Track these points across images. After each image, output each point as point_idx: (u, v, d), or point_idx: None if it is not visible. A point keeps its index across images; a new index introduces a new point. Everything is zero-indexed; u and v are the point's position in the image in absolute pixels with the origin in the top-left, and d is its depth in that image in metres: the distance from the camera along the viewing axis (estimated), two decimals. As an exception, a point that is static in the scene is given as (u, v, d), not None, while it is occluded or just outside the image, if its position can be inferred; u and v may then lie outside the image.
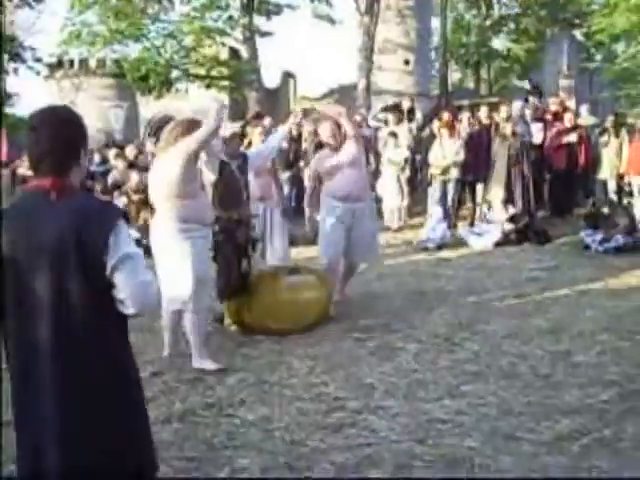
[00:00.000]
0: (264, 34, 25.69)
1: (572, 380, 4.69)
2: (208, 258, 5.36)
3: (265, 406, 4.40)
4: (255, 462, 3.66)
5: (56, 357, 2.24)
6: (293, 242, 10.41)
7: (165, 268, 4.98)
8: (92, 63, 28.63)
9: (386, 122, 14.20)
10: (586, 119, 12.13)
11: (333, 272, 6.57)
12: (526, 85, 15.65)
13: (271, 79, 28.60)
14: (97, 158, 12.67)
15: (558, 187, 11.53)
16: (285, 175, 12.61)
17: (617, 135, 11.32)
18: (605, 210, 10.15)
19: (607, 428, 3.93)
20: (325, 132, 6.61)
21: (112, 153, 11.47)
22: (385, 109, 16.59)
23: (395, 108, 15.37)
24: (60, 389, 2.25)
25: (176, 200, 4.94)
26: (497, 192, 10.60)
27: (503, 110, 12.36)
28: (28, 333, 2.25)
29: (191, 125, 5.09)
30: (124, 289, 2.23)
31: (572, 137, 11.40)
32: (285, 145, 12.55)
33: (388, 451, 3.75)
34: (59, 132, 2.32)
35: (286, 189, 12.77)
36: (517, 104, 12.06)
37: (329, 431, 4.02)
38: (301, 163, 12.84)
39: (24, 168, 6.91)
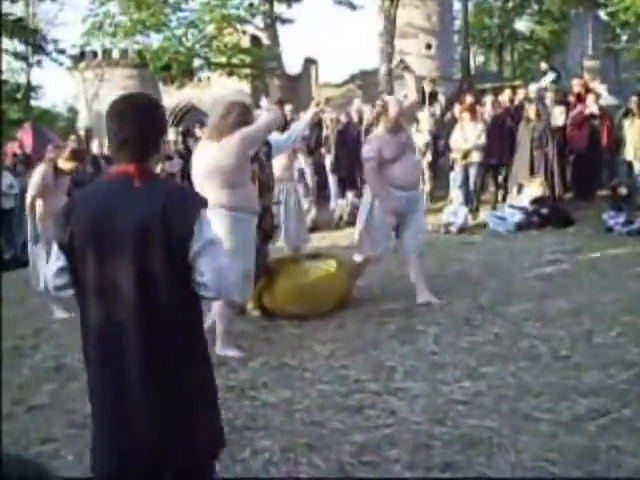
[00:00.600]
0: (285, 21, 25.71)
1: (592, 361, 4.68)
2: (254, 248, 5.25)
3: (286, 389, 4.47)
4: (276, 443, 3.72)
5: (139, 339, 2.29)
6: (316, 227, 10.56)
7: None
8: (115, 54, 28.81)
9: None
10: (606, 99, 11.98)
11: (366, 264, 6.47)
12: (542, 67, 15.51)
13: (293, 66, 28.63)
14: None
15: (581, 169, 11.42)
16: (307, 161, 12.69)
17: (640, 116, 11.18)
18: (626, 191, 10.07)
19: (626, 408, 3.92)
20: (394, 109, 6.09)
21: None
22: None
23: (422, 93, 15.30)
24: (144, 370, 2.30)
25: (228, 188, 4.91)
26: (525, 175, 10.55)
27: (521, 93, 12.30)
28: (111, 314, 2.30)
29: (244, 110, 5.06)
30: (206, 273, 2.31)
31: (593, 108, 11.25)
32: (307, 132, 12.59)
33: (407, 432, 3.79)
34: (144, 118, 2.38)
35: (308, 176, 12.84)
36: (533, 86, 11.97)
37: (349, 412, 4.07)
38: (322, 149, 12.86)
39: (62, 161, 6.89)
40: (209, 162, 4.96)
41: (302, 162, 10.21)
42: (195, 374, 2.41)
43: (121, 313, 2.28)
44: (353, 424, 3.92)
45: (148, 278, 2.26)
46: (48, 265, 2.47)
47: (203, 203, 2.38)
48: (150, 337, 2.29)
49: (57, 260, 2.39)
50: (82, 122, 25.97)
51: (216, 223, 4.82)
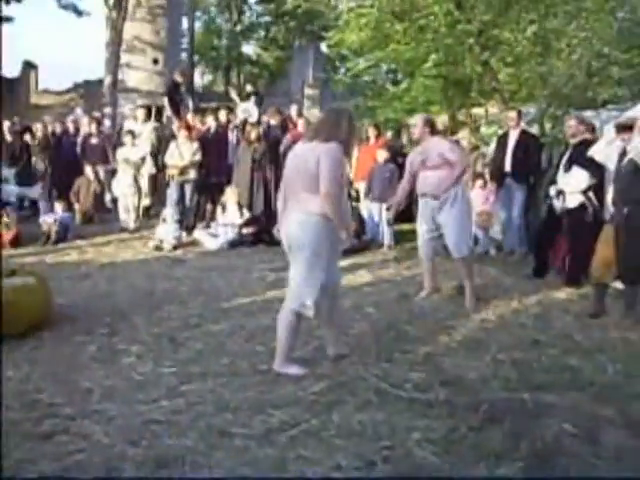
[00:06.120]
0: (2, 19, 24.04)
1: (288, 374, 4.88)
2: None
3: (-33, 418, 4.11)
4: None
5: None
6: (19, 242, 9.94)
7: (301, 264, 4.80)
8: None
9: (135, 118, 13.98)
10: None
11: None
12: (248, 89, 16.35)
13: (10, 69, 26.80)
14: None
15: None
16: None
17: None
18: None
19: (315, 418, 4.12)
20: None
21: None
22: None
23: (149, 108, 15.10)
24: None
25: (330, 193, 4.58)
26: (234, 195, 10.77)
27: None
28: None
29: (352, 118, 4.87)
30: None
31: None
32: (9, 138, 11.94)
33: (99, 455, 3.66)
34: None
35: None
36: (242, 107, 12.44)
37: (39, 440, 3.84)
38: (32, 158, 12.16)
39: None
40: (310, 166, 4.63)
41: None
42: None
43: None
44: (42, 452, 3.70)
45: None
46: None
47: None
48: None
49: None
50: None
51: (314, 230, 4.66)
